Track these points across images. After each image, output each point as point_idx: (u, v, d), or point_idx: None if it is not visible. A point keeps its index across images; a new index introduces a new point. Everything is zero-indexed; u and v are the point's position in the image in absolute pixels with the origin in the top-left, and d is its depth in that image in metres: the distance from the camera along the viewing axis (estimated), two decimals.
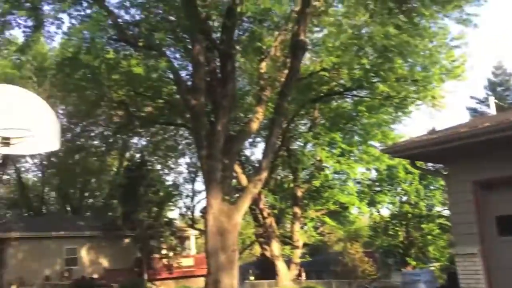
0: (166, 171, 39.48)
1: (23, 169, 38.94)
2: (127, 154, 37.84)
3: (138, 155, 34.03)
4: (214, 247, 16.52)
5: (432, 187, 32.34)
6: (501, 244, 8.12)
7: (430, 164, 14.58)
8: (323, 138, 24.96)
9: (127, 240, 26.33)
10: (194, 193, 43.05)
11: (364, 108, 23.59)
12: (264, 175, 18.74)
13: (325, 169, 27.30)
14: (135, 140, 36.12)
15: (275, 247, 27.40)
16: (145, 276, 24.54)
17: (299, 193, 28.49)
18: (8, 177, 38.61)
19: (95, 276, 24.85)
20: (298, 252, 28.73)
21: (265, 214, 27.96)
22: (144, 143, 35.00)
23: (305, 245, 35.60)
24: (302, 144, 28.72)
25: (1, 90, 6.12)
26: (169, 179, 42.96)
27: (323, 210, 30.24)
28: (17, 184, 38.74)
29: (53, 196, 42.97)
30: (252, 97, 27.55)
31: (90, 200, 42.87)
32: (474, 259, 8.02)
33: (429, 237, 32.86)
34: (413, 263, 30.76)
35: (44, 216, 35.67)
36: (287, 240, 31.99)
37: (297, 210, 28.63)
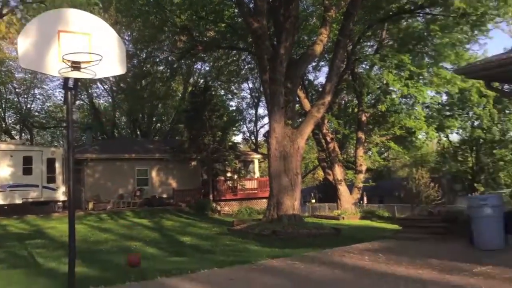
0: (229, 96, 40.00)
1: (95, 94, 40.78)
2: (191, 80, 38.49)
3: (202, 81, 34.53)
4: (277, 170, 16.84)
5: (507, 111, 30.60)
6: None
7: (506, 86, 13.67)
8: (391, 60, 23.87)
9: (194, 163, 27.36)
10: (258, 118, 43.59)
11: (436, 27, 22.11)
12: (328, 99, 18.47)
13: (392, 93, 26.38)
14: (198, 65, 36.57)
15: (338, 172, 27.52)
16: (211, 197, 25.65)
17: (364, 118, 27.98)
18: (81, 102, 40.64)
19: (165, 195, 26.34)
20: (361, 177, 28.69)
21: (328, 139, 27.88)
22: (207, 68, 35.36)
23: (368, 170, 35.50)
24: (368, 67, 27.77)
25: (70, 16, 6.28)
26: (233, 104, 43.60)
27: (388, 135, 29.64)
28: (90, 109, 40.78)
29: (124, 121, 45.02)
30: (316, 18, 26.63)
31: (158, 125, 44.55)
32: None
33: (501, 162, 31.59)
34: (482, 189, 29.95)
35: (117, 139, 37.60)
36: (350, 165, 31.99)
37: (361, 135, 28.27)
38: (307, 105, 25.20)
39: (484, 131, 31.13)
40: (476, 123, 32.28)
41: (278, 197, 16.54)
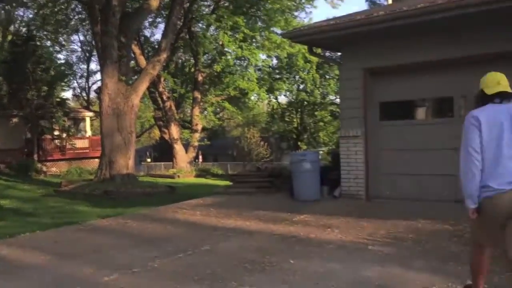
0: (57, 48, 36.71)
1: None
2: (12, 28, 34.32)
3: (24, 29, 31.02)
4: (110, 128, 16.20)
5: (327, 76, 33.74)
6: (381, 127, 8.84)
7: (328, 53, 15.02)
8: (226, 21, 24.35)
9: (15, 120, 24.85)
10: (90, 73, 41.02)
11: None
12: (164, 56, 18.17)
13: (227, 54, 27.03)
14: (20, 12, 32.65)
15: (174, 131, 27.59)
16: (35, 157, 23.74)
17: (200, 77, 28.27)
18: None
19: None
20: (197, 136, 29.23)
21: (164, 97, 27.63)
22: (31, 15, 31.80)
23: (204, 129, 36.27)
24: (204, 27, 27.90)
25: None
26: (61, 57, 40.22)
27: (223, 95, 30.50)
28: None
29: None
30: None
31: None
32: (356, 141, 8.70)
33: (321, 123, 34.97)
34: (304, 147, 32.87)
35: None
36: (186, 124, 32.31)
37: (197, 94, 28.59)
38: (142, 62, 24.51)
39: (308, 94, 33.95)
40: (301, 86, 34.96)
41: (110, 156, 16.01)
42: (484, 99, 3.41)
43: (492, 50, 7.42)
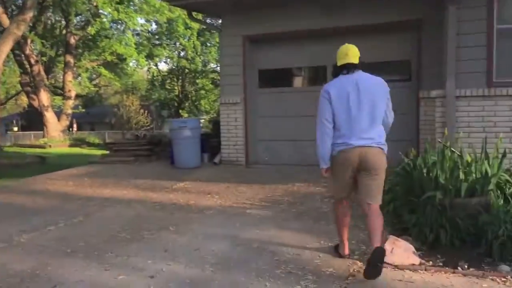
0: None
1: None
2: None
3: None
4: None
5: (209, 44, 33.46)
6: (260, 95, 9.01)
7: (209, 20, 14.82)
8: None
9: None
10: None
11: None
12: (29, 15, 16.64)
13: (102, 16, 25.42)
14: None
15: (44, 97, 25.51)
16: None
17: (73, 40, 26.31)
18: None
19: None
20: (70, 103, 27.36)
21: (32, 61, 25.30)
22: None
23: (78, 96, 34.17)
24: None
25: None
26: None
27: (99, 60, 28.83)
28: None
29: None
30: None
31: None
32: (236, 108, 8.78)
33: (202, 91, 34.80)
34: (186, 115, 32.58)
35: None
36: (58, 91, 30.07)
37: (69, 58, 26.63)
38: (5, 21, 22.07)
39: (189, 61, 33.43)
40: (182, 53, 34.30)
41: None
42: (336, 70, 3.83)
43: (360, 22, 7.87)
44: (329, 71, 8.42)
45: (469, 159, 4.77)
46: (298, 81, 9.32)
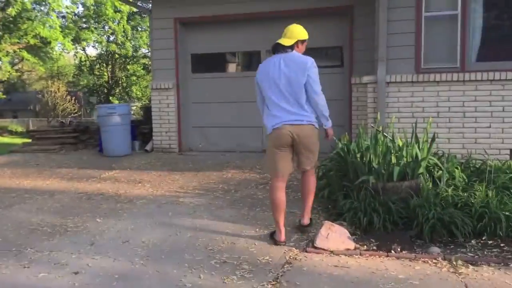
0: None
1: None
2: None
3: None
4: None
5: (140, 29, 32.42)
6: (193, 80, 8.76)
7: (139, 3, 14.24)
8: None
9: None
10: None
11: None
12: None
13: None
14: None
15: None
16: None
17: None
18: None
19: None
20: None
21: None
22: None
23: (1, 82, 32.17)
24: None
25: None
26: None
27: (21, 44, 27.09)
28: None
29: None
30: None
31: None
32: (168, 93, 8.47)
33: (133, 77, 33.69)
34: (116, 101, 31.46)
35: None
36: None
37: None
38: None
39: (119, 46, 32.23)
40: (111, 38, 32.99)
41: None
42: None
43: (294, 7, 7.82)
44: (263, 56, 8.33)
45: (400, 144, 4.85)
46: (232, 67, 9.14)
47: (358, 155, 4.64)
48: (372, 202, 4.27)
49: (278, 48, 3.87)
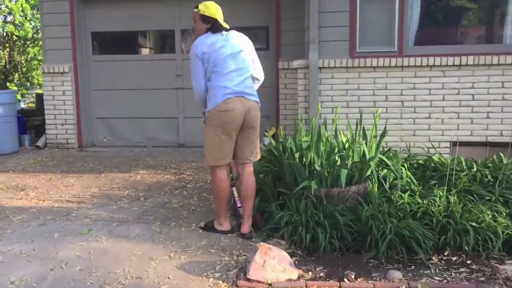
0: None
1: None
2: None
3: None
4: None
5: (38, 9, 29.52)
6: (94, 63, 7.46)
7: None
8: None
9: None
10: None
11: None
12: None
13: None
14: None
15: None
16: None
17: None
18: None
19: None
20: None
21: None
22: None
23: None
24: None
25: None
26: None
27: None
28: None
29: None
30: None
31: None
32: (64, 78, 7.11)
33: (35, 62, 30.63)
34: (15, 88, 28.52)
35: None
36: None
37: None
38: None
39: (17, 27, 29.13)
40: (9, 18, 29.77)
41: None
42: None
43: None
44: (177, 37, 7.26)
45: (344, 140, 4.08)
46: (142, 48, 7.92)
47: (297, 155, 3.79)
48: (315, 214, 3.45)
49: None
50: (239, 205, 3.85)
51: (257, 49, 7.23)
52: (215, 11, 3.54)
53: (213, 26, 3.52)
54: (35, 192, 4.92)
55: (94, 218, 4.06)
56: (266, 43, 7.16)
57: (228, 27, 3.61)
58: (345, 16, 5.85)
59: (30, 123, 7.90)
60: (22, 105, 18.04)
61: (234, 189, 3.95)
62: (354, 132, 4.05)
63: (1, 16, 30.02)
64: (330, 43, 5.88)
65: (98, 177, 5.51)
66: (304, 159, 3.73)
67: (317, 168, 3.62)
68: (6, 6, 29.17)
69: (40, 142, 7.32)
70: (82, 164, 6.25)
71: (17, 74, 31.13)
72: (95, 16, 7.36)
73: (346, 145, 3.94)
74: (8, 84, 29.35)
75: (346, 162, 3.69)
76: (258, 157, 3.73)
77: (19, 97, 25.94)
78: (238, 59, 3.52)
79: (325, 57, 5.86)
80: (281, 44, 6.86)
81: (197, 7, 3.55)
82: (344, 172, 3.53)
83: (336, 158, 3.73)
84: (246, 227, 3.61)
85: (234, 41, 3.56)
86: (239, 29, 7.25)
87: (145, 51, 7.79)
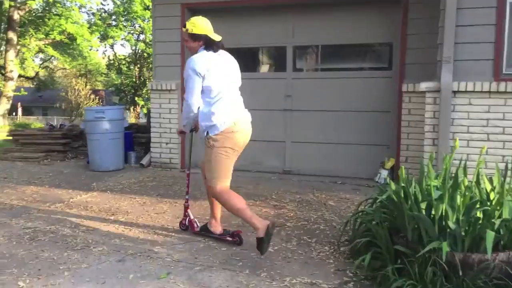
0: None
1: None
2: None
3: None
4: None
5: None
6: None
7: None
8: None
9: None
10: None
11: None
12: None
13: None
14: None
15: None
16: None
17: (16, 15, 23.73)
18: None
19: None
20: (12, 85, 24.79)
21: None
22: None
23: (30, 78, 31.61)
24: None
25: None
26: None
27: (47, 39, 26.30)
28: None
29: None
30: None
31: None
32: (171, 96, 6.89)
33: None
34: (142, 102, 30.37)
35: None
36: None
37: (12, 35, 24.04)
38: None
39: (148, 45, 31.12)
40: (141, 36, 31.95)
41: None
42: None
43: None
44: (289, 53, 6.68)
45: (488, 188, 3.11)
46: (251, 66, 7.48)
47: (423, 206, 2.93)
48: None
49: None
50: (196, 226, 4.02)
51: (376, 69, 6.43)
52: (203, 27, 3.49)
53: (206, 43, 3.49)
54: (125, 217, 4.58)
55: (177, 258, 3.54)
56: (389, 62, 6.28)
57: (220, 38, 3.53)
58: (489, 31, 4.83)
59: (137, 140, 7.84)
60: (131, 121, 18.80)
61: (189, 210, 4.07)
62: (502, 177, 3.08)
63: (135, 35, 32.33)
64: (468, 63, 4.89)
65: (192, 205, 5.06)
66: (433, 211, 2.85)
67: (451, 225, 2.73)
68: (139, 26, 31.28)
69: (144, 161, 7.16)
70: (179, 188, 5.88)
71: (145, 89, 33.22)
72: None
73: (491, 196, 2.99)
74: (136, 98, 31.38)
75: (493, 220, 2.75)
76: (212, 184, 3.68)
77: (144, 111, 27.41)
78: (234, 79, 3.62)
79: (461, 79, 4.88)
80: (406, 63, 5.93)
81: (185, 26, 3.53)
82: (490, 235, 2.60)
83: (478, 214, 2.80)
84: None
85: (228, 60, 3.63)
86: (357, 46, 6.49)
87: (254, 69, 7.33)
